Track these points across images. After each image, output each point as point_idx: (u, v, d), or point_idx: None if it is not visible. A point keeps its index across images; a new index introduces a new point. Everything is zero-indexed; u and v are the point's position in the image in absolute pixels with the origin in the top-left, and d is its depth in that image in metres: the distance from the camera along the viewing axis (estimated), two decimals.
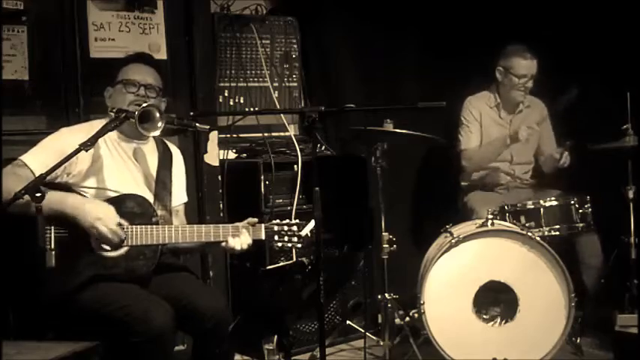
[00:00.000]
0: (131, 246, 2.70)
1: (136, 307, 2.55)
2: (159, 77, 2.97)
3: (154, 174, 2.94)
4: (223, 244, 2.81)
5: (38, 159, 2.70)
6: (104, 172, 2.82)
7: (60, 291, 2.58)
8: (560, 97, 3.91)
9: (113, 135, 2.85)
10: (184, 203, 3.11)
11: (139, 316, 2.52)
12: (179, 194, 3.06)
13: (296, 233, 2.86)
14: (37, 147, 2.78)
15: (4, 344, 2.22)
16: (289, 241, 2.87)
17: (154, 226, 2.74)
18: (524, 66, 4.05)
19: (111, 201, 2.75)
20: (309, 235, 2.86)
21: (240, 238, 2.80)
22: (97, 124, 2.77)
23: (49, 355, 2.21)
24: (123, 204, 2.74)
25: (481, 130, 4.19)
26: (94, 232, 2.63)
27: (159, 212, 2.82)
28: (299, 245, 2.88)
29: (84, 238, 2.66)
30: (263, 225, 2.86)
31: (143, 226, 2.72)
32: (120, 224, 2.66)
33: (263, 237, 2.86)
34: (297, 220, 2.91)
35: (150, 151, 2.99)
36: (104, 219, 2.63)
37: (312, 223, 2.82)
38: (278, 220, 2.90)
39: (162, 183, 2.93)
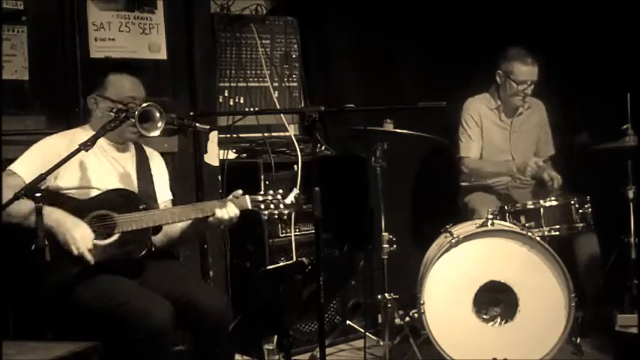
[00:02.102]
0: (123, 232, 2.72)
1: (136, 304, 2.56)
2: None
3: (135, 184, 2.95)
4: (211, 218, 2.82)
5: (28, 166, 2.74)
6: (89, 172, 2.85)
7: (58, 281, 2.58)
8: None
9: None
10: (171, 200, 3.12)
11: (138, 313, 2.53)
12: (162, 193, 3.07)
13: (281, 201, 2.88)
14: (24, 155, 2.83)
15: (4, 344, 2.22)
16: (276, 208, 2.88)
17: (142, 212, 2.76)
18: (525, 72, 4.03)
19: (98, 197, 2.78)
20: (294, 201, 2.90)
21: (226, 208, 2.81)
22: (80, 133, 2.83)
23: (49, 355, 2.21)
24: (110, 197, 2.77)
25: (482, 133, 4.18)
26: (66, 249, 2.63)
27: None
28: (286, 212, 2.90)
29: None
30: (247, 196, 2.88)
31: (132, 213, 2.74)
32: (91, 249, 2.63)
33: (249, 206, 2.86)
34: (280, 190, 2.92)
35: (127, 159, 3.00)
36: (79, 240, 2.61)
37: (295, 191, 2.91)
38: (262, 192, 2.92)
39: (144, 192, 2.93)
